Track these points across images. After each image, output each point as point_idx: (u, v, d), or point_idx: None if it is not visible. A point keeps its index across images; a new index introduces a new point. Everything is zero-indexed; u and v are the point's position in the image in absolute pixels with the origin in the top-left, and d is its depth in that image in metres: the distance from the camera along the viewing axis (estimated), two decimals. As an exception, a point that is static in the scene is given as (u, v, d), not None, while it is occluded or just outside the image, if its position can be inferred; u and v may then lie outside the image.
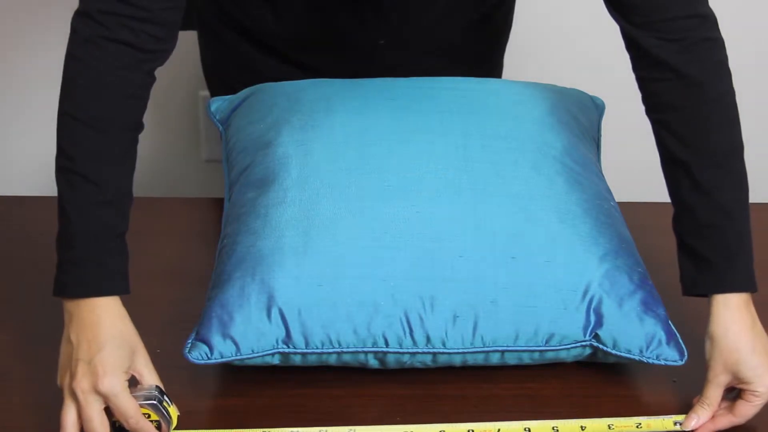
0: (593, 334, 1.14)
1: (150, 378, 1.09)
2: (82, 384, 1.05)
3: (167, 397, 1.08)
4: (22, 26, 2.06)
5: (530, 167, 1.23)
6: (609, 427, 1.10)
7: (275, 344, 1.12)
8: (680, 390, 1.17)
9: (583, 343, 1.15)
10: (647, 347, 1.15)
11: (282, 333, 1.12)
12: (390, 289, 1.13)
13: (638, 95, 1.20)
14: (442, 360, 1.15)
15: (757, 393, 1.10)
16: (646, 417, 1.12)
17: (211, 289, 1.16)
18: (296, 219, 1.17)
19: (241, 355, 1.12)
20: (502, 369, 1.18)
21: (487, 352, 1.14)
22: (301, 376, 1.17)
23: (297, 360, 1.14)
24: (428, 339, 1.13)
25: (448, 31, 1.47)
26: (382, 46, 1.44)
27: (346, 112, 1.28)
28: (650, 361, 1.15)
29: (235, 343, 1.12)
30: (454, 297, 1.13)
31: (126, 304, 1.25)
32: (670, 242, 1.18)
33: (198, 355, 1.12)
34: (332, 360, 1.14)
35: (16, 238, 1.45)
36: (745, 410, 1.11)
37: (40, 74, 2.07)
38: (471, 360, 1.15)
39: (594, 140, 1.39)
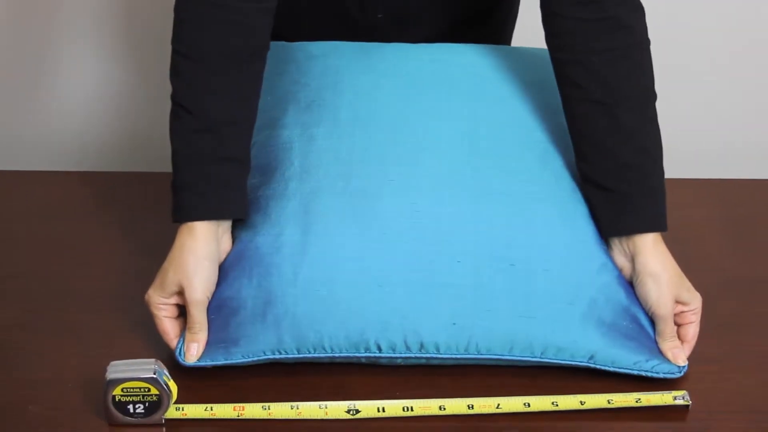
0: (590, 350, 1.12)
1: (192, 312, 1.12)
2: None
3: (167, 371, 1.08)
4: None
5: (537, 160, 1.21)
6: (608, 402, 1.10)
7: (266, 351, 1.11)
8: (680, 366, 1.17)
9: (580, 362, 1.13)
10: (645, 361, 1.13)
11: (275, 339, 1.11)
12: (386, 295, 1.11)
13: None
14: (435, 362, 1.14)
15: (695, 310, 1.17)
16: (645, 392, 1.12)
17: None
18: (296, 214, 1.15)
19: (232, 360, 1.12)
20: (502, 344, 1.18)
21: (481, 360, 1.13)
22: (301, 351, 1.17)
23: (288, 360, 1.13)
24: (422, 345, 1.11)
25: (449, 10, 1.44)
26: (382, 20, 1.41)
27: (353, 91, 1.25)
28: (648, 374, 1.13)
29: (227, 351, 1.12)
30: (451, 304, 1.12)
31: (132, 277, 1.27)
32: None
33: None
34: (323, 360, 1.13)
35: (18, 214, 1.45)
36: (693, 330, 1.17)
37: (37, 48, 2.07)
38: (464, 363, 1.14)
39: None
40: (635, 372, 1.13)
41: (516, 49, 1.39)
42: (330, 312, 1.11)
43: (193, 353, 1.12)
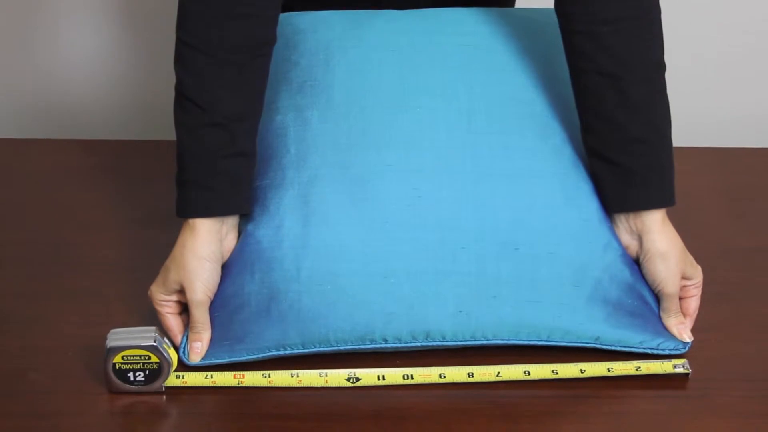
0: (596, 332, 1.12)
1: (194, 312, 1.11)
2: None
3: (167, 339, 1.08)
4: None
5: (536, 136, 1.18)
6: (608, 371, 1.10)
7: (271, 347, 1.10)
8: (680, 334, 1.17)
9: (586, 344, 1.13)
10: (651, 339, 1.13)
11: (279, 335, 1.10)
12: (390, 286, 1.10)
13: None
14: (440, 347, 1.13)
15: (697, 283, 1.17)
16: (645, 361, 1.12)
17: None
18: (295, 205, 1.13)
19: (236, 357, 1.11)
20: (502, 313, 1.18)
21: (487, 345, 1.13)
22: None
23: (293, 355, 1.12)
24: (428, 335, 1.11)
25: None
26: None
27: (346, 69, 1.22)
28: (654, 352, 1.13)
29: (231, 348, 1.11)
30: (456, 292, 1.11)
31: (133, 245, 1.28)
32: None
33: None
34: (328, 353, 1.12)
35: (19, 181, 1.45)
36: (695, 304, 1.17)
37: (40, 15, 2.06)
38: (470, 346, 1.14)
39: None
40: (641, 350, 1.13)
41: (514, 11, 1.35)
42: (335, 306, 1.10)
43: (196, 352, 1.11)
